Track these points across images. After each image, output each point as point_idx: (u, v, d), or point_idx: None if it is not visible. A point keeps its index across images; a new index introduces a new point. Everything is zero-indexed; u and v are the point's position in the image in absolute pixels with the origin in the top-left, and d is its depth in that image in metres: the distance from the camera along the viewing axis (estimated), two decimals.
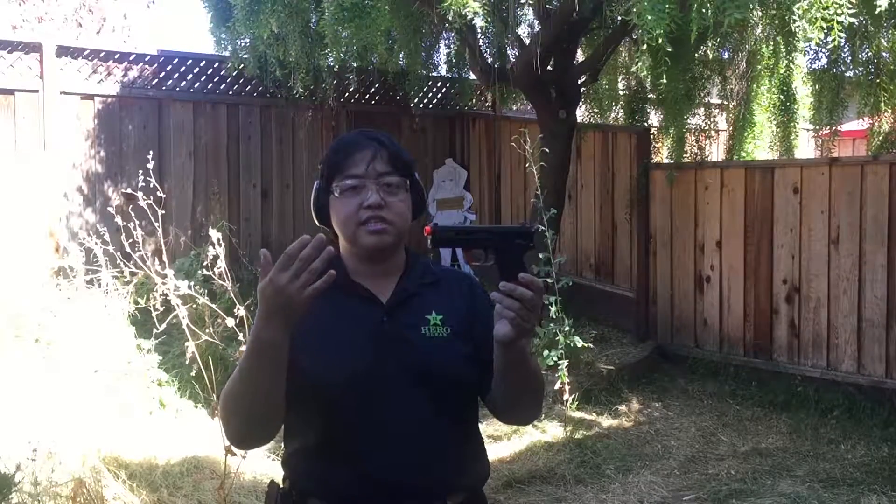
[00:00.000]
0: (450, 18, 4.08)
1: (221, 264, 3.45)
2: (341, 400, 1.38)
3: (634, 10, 3.48)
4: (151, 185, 4.25)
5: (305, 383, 1.38)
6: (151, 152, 4.90)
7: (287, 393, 1.37)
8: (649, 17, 3.38)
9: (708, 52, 6.38)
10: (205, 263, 3.72)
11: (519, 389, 1.45)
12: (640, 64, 3.69)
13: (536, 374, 1.48)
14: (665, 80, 3.76)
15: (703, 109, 6.83)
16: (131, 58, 6.44)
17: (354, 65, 6.96)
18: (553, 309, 4.79)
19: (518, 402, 1.49)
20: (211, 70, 6.78)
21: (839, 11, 3.16)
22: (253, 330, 1.28)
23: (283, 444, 1.50)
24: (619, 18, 4.86)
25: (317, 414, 1.40)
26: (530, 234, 1.40)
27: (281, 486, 1.48)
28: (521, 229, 1.41)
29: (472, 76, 7.55)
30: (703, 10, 3.35)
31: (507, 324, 1.31)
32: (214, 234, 3.39)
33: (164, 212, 4.14)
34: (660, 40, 3.44)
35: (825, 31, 3.23)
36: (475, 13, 3.96)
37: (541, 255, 4.92)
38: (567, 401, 4.73)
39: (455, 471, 1.44)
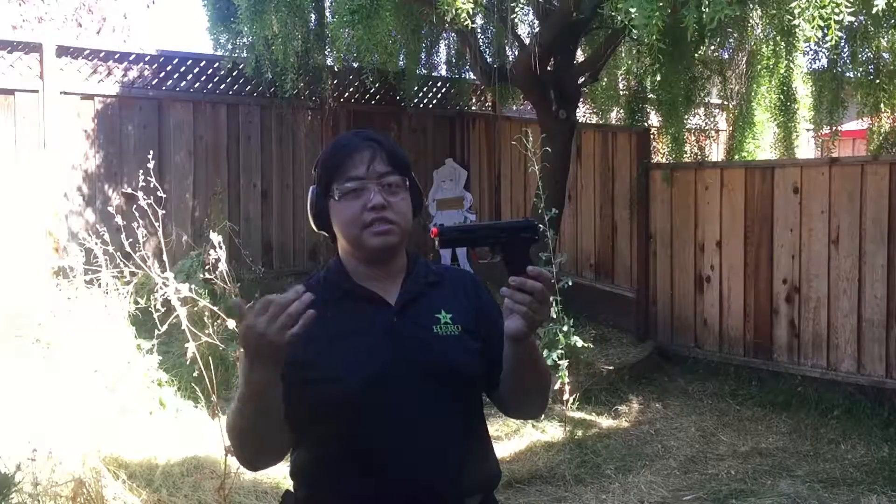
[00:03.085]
0: (447, 19, 4.08)
1: (223, 267, 3.45)
2: (360, 403, 1.37)
3: (620, 6, 3.47)
4: (152, 185, 4.25)
5: (322, 390, 1.37)
6: (151, 152, 4.90)
7: (301, 404, 1.36)
8: (636, 16, 3.37)
9: (708, 52, 6.38)
10: (207, 267, 3.72)
11: (529, 384, 1.45)
12: (630, 63, 3.68)
13: (545, 368, 1.51)
14: (661, 80, 3.76)
15: (702, 109, 6.84)
16: (131, 58, 6.44)
17: (354, 65, 6.97)
18: (553, 309, 4.79)
19: (528, 398, 1.49)
20: (211, 70, 6.78)
21: (836, 11, 3.15)
22: (241, 374, 1.28)
23: (290, 455, 1.47)
24: (619, 19, 4.86)
25: (334, 421, 1.38)
26: (535, 227, 1.41)
27: (296, 494, 1.46)
28: (525, 223, 1.41)
29: (472, 76, 7.55)
30: (700, 6, 3.33)
31: (518, 318, 1.31)
32: (216, 238, 3.39)
33: (164, 211, 4.14)
34: (646, 38, 3.43)
35: (823, 29, 3.22)
36: (468, 14, 3.94)
37: (542, 255, 4.92)
38: (567, 401, 4.73)
39: (474, 470, 1.44)
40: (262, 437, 1.34)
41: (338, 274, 1.47)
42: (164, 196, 4.69)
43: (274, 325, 1.19)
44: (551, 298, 1.35)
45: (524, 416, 1.65)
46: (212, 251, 3.47)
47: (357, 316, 1.43)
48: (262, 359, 1.23)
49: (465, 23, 4.01)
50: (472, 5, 3.94)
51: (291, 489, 1.48)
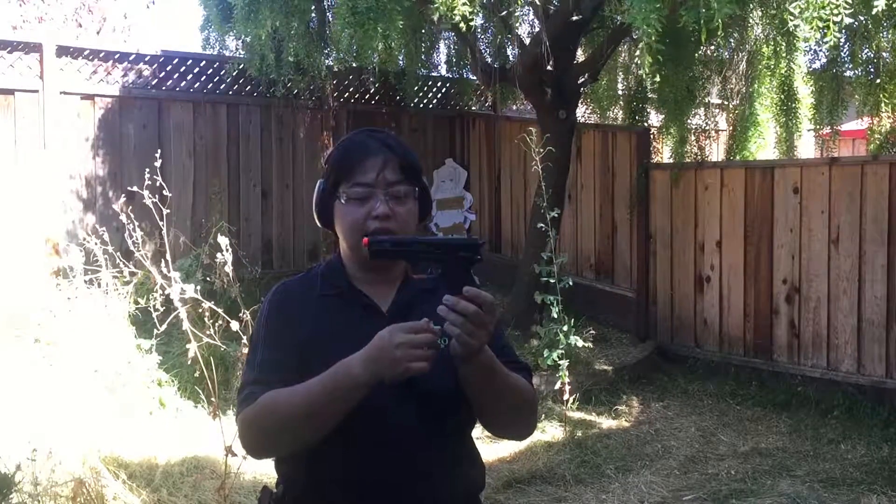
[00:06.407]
0: (435, 19, 4.07)
1: (229, 269, 3.45)
2: None
3: (625, 8, 3.48)
4: (156, 184, 4.25)
5: None
6: (159, 151, 4.90)
7: None
8: (639, 17, 3.37)
9: (708, 52, 6.38)
10: (214, 269, 3.72)
11: (493, 405, 1.39)
12: (641, 63, 3.68)
13: (512, 390, 1.39)
14: (663, 80, 3.76)
15: (703, 109, 6.83)
16: (131, 58, 6.44)
17: (354, 65, 6.96)
18: (553, 309, 4.79)
19: (497, 417, 1.42)
20: (211, 70, 6.78)
21: (835, 12, 3.15)
22: (350, 369, 1.27)
23: None
24: (619, 19, 4.87)
25: None
26: (475, 247, 1.32)
27: (274, 491, 1.46)
28: (465, 242, 1.33)
29: (472, 76, 7.55)
30: (695, 6, 3.33)
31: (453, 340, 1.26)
32: (224, 241, 3.39)
33: (166, 211, 4.13)
34: (653, 38, 3.43)
35: (821, 31, 3.22)
36: (463, 16, 3.92)
37: (542, 255, 4.92)
38: (567, 401, 4.73)
39: (451, 480, 1.42)
40: (314, 430, 1.31)
41: (335, 272, 1.47)
42: (165, 196, 4.68)
43: (407, 351, 1.23)
44: (549, 302, 1.32)
45: (503, 436, 1.57)
46: (218, 254, 3.47)
47: (347, 321, 1.41)
48: (377, 364, 1.25)
49: (461, 25, 4.00)
50: (470, 8, 3.93)
51: (273, 486, 1.49)
